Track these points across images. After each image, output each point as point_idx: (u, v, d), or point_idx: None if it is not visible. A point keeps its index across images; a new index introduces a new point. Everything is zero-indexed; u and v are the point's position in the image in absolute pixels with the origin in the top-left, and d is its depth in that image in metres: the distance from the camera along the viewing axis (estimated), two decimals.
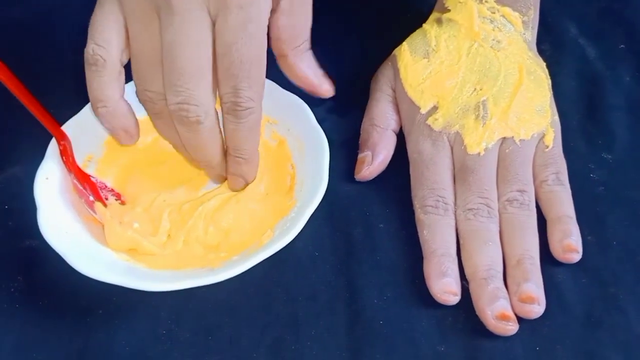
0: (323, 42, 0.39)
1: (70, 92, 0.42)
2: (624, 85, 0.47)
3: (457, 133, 0.41)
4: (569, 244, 0.38)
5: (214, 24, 0.35)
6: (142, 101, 0.37)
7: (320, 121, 0.40)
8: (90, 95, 0.37)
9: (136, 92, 0.37)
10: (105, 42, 0.36)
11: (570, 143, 0.43)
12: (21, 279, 0.39)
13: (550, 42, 0.48)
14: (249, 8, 0.34)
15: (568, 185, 0.40)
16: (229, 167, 0.39)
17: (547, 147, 0.41)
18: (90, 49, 0.36)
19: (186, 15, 0.34)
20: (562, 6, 0.50)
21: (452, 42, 0.43)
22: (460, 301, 0.37)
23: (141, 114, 0.43)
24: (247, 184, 0.40)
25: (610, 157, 0.43)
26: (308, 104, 0.41)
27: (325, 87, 0.39)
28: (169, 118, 0.36)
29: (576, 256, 0.38)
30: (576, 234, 0.39)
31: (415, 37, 0.45)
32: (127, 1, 0.35)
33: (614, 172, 0.42)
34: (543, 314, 0.37)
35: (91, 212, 0.39)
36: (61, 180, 0.39)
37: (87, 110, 0.41)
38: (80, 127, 0.41)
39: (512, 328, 0.36)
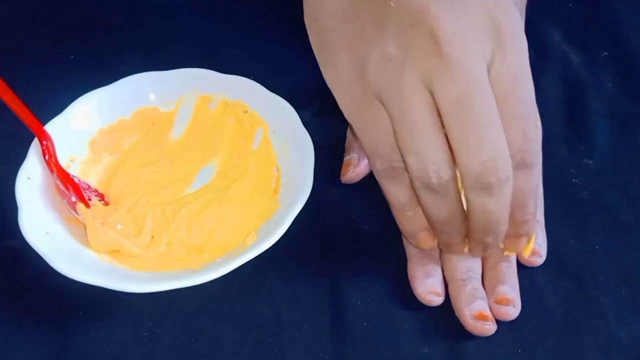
0: (310, 46, 0.39)
1: (54, 92, 0.42)
2: (606, 92, 0.47)
3: None
4: (533, 247, 0.38)
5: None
6: (421, 177, 0.32)
7: (305, 124, 0.40)
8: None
9: (415, 170, 0.32)
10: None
11: (552, 148, 0.43)
12: (1, 280, 0.39)
13: (534, 48, 0.48)
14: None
15: (539, 191, 0.40)
16: (517, 229, 0.34)
17: None
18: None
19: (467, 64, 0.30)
20: (547, 13, 0.51)
21: None
22: (443, 304, 0.37)
23: (128, 114, 0.43)
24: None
25: (591, 162, 0.44)
26: (294, 107, 0.41)
27: None
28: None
29: (539, 260, 0.39)
30: (541, 237, 0.39)
31: None
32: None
33: (595, 178, 0.43)
34: (525, 316, 0.37)
35: (73, 212, 0.39)
36: (43, 181, 0.39)
37: (70, 110, 0.41)
38: (63, 127, 0.41)
39: (490, 328, 0.36)
